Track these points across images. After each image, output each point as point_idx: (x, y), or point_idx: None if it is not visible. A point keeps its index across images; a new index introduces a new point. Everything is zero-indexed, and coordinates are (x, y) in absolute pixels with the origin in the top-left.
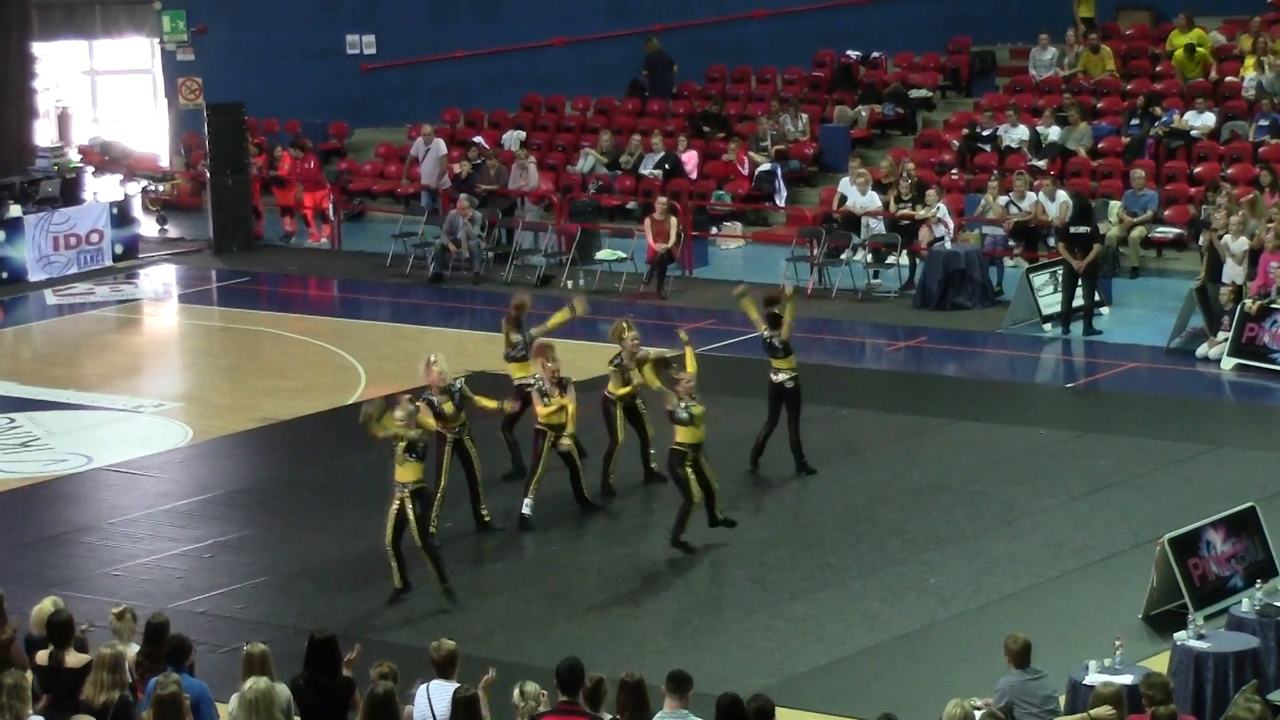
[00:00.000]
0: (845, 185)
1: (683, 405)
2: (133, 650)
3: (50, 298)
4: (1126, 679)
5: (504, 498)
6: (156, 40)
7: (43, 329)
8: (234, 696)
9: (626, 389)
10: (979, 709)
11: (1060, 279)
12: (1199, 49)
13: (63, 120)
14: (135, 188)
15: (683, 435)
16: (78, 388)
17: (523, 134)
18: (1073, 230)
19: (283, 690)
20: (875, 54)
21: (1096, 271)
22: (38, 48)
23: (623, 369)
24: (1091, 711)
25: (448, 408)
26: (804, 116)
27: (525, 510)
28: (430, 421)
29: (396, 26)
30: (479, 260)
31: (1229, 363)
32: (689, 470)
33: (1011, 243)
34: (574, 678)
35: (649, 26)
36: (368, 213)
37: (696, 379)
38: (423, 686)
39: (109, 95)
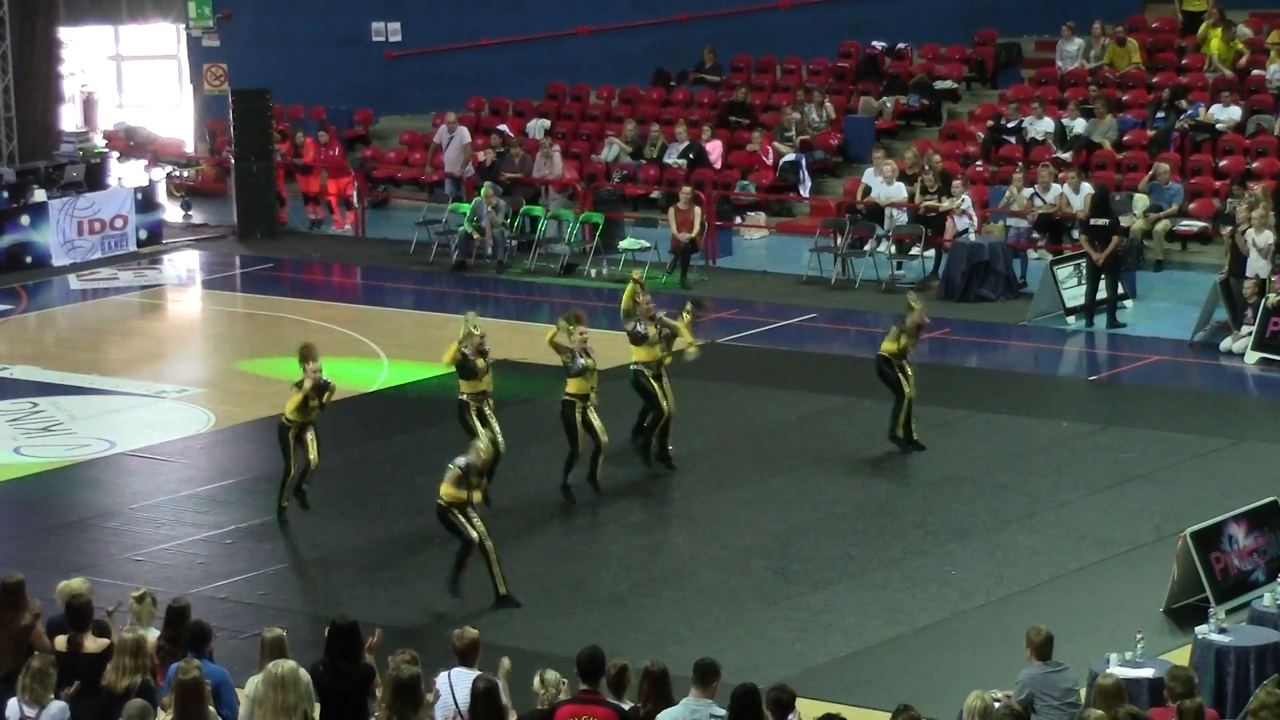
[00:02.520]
0: (870, 176)
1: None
2: (152, 635)
3: (74, 282)
4: (1147, 672)
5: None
6: (182, 26)
7: (66, 314)
8: (252, 679)
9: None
10: (999, 701)
11: (1084, 272)
12: (1236, 36)
13: (88, 105)
14: (160, 173)
15: (573, 386)
16: (101, 373)
17: (547, 122)
18: (1092, 223)
19: (304, 674)
20: (901, 45)
21: (1118, 264)
22: (64, 33)
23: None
24: None
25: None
26: (828, 106)
27: (568, 481)
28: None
29: (422, 14)
30: (502, 248)
31: (1252, 356)
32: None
33: (1036, 235)
34: (595, 666)
35: (674, 16)
36: (392, 200)
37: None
38: (444, 674)
39: (134, 81)
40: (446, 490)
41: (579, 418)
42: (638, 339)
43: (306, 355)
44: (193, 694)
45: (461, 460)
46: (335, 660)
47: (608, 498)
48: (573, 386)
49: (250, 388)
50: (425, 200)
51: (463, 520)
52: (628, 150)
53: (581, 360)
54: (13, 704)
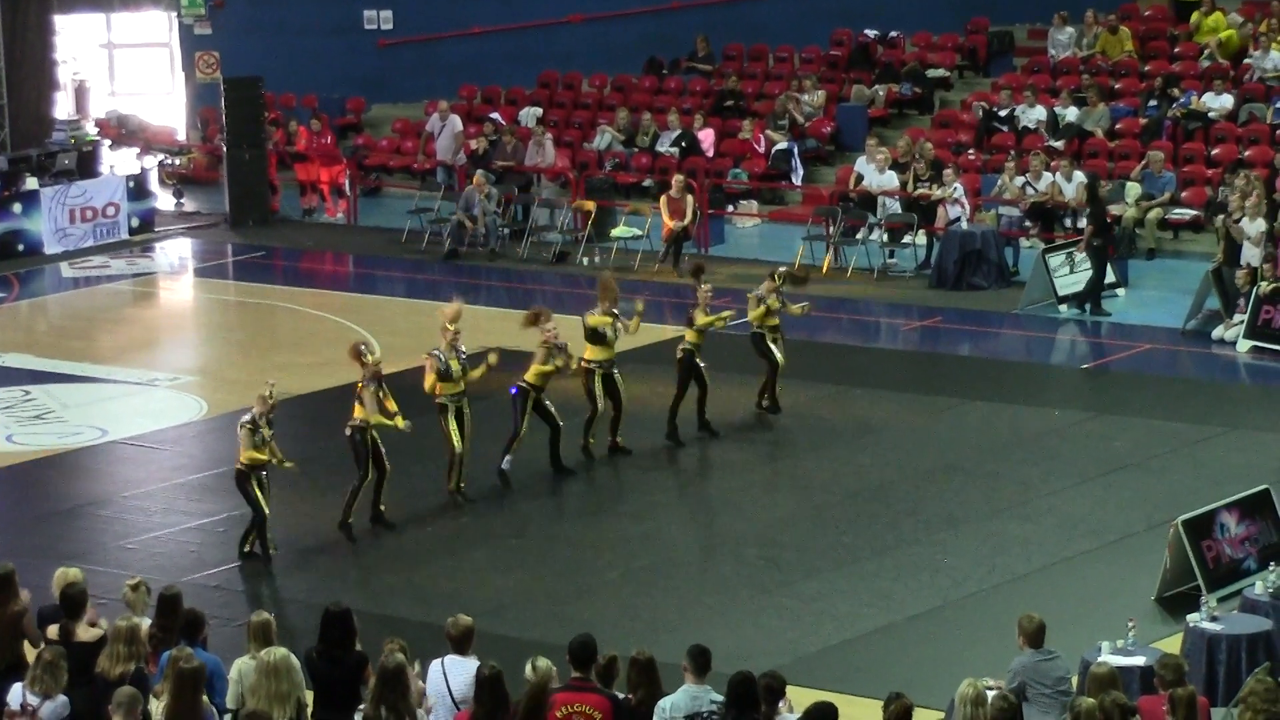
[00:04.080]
0: (862, 164)
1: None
2: (145, 623)
3: (66, 270)
4: (1139, 660)
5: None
6: (174, 14)
7: (58, 302)
8: (237, 662)
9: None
10: (992, 689)
11: (1075, 260)
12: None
13: (80, 93)
14: (152, 161)
15: (531, 375)
16: (93, 361)
17: (539, 111)
18: (1089, 211)
19: (295, 661)
20: (893, 33)
21: (1096, 252)
22: (57, 20)
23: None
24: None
25: (454, 365)
26: (820, 93)
27: (505, 466)
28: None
29: (413, 2)
30: (494, 236)
31: (1244, 345)
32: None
33: (1028, 223)
34: (586, 654)
35: (666, 4)
36: (384, 188)
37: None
38: (437, 661)
39: (126, 69)
40: (246, 454)
41: (529, 405)
42: (595, 338)
43: (360, 353)
44: (189, 683)
45: (246, 415)
46: (329, 647)
47: (598, 487)
48: (530, 375)
49: (243, 376)
50: (417, 189)
51: (256, 490)
52: (620, 138)
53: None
54: (15, 691)
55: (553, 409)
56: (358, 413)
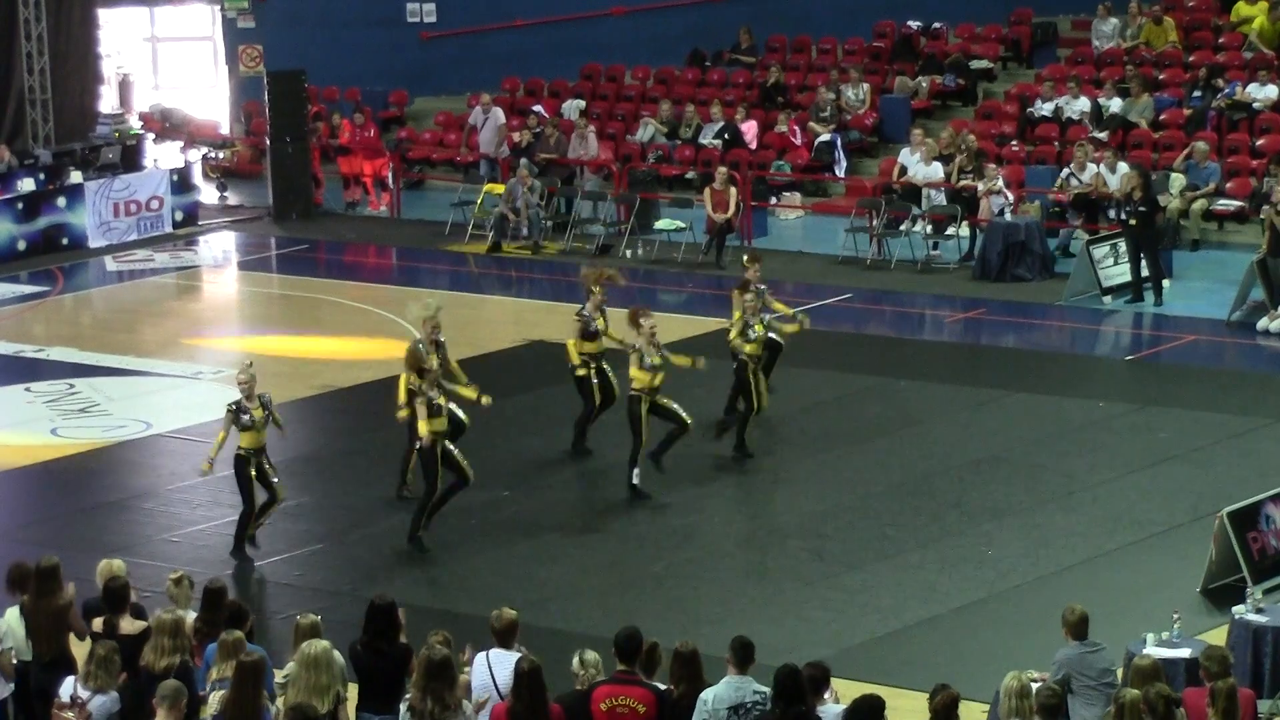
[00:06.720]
0: (905, 156)
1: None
2: (190, 616)
3: (110, 264)
4: (1184, 652)
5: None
6: (217, 7)
7: (102, 295)
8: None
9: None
10: (1036, 681)
11: (1119, 251)
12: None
13: (124, 87)
14: (195, 155)
15: (639, 380)
16: (137, 354)
17: (582, 103)
18: None
19: (336, 655)
20: (936, 25)
21: (1149, 241)
22: (101, 15)
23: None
24: None
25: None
26: (865, 85)
27: (634, 480)
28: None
29: None
30: (537, 229)
31: None
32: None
33: (1071, 214)
34: (632, 646)
35: None
36: (427, 181)
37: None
38: (482, 654)
39: (170, 62)
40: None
41: (644, 410)
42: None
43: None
44: (251, 676)
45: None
46: (373, 640)
47: (641, 480)
48: (638, 381)
49: (286, 369)
50: (460, 181)
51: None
52: (663, 131)
53: (649, 360)
54: (68, 684)
55: (675, 406)
56: (423, 429)
